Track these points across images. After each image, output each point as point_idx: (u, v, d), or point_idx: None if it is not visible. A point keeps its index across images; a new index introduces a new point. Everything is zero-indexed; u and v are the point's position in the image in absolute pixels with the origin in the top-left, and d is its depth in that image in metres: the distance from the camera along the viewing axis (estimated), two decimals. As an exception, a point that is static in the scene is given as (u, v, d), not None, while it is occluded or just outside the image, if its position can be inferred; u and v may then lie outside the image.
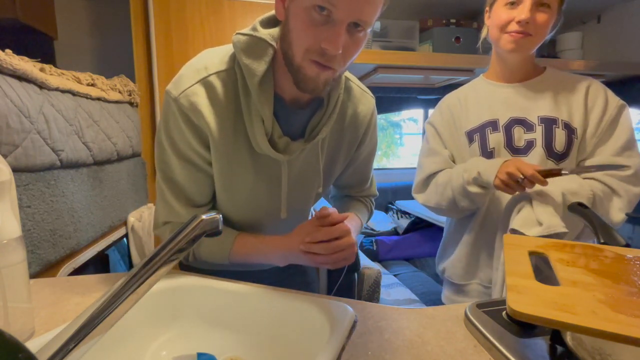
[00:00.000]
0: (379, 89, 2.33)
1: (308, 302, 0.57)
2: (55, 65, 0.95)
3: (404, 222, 2.33)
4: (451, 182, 0.92)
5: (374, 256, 2.17)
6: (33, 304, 0.52)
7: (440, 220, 1.94)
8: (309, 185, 0.75)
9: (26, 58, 0.82)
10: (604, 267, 0.47)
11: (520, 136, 0.90)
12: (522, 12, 0.84)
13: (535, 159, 0.87)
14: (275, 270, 0.80)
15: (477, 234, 0.96)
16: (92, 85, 1.12)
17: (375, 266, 1.44)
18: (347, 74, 0.73)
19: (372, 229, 2.36)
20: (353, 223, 0.76)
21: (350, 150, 0.77)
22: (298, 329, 0.57)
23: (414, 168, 1.07)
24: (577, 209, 0.74)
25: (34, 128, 0.78)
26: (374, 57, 1.76)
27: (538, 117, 0.89)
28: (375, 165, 0.89)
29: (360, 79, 1.37)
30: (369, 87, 0.79)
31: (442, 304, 1.07)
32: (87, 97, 1.07)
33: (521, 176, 0.78)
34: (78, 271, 0.98)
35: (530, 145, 0.88)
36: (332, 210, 0.65)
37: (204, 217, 0.40)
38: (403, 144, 3.61)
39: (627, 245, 0.56)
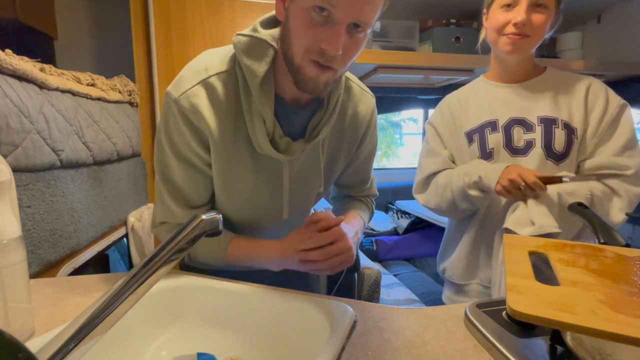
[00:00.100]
0: (379, 89, 2.33)
1: (308, 302, 0.57)
2: (55, 65, 0.95)
3: (404, 222, 2.33)
4: (451, 184, 0.92)
5: (374, 256, 2.17)
6: (33, 304, 0.52)
7: (440, 220, 1.94)
8: (310, 185, 0.75)
9: (26, 58, 0.82)
10: (604, 267, 0.47)
11: (520, 136, 0.89)
12: (518, 14, 0.84)
13: (535, 159, 0.87)
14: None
15: (476, 234, 0.96)
16: (92, 85, 1.12)
17: (375, 266, 1.44)
18: (347, 73, 0.73)
19: (372, 229, 2.36)
20: (354, 222, 0.76)
21: (350, 149, 0.77)
22: (298, 329, 0.57)
23: (414, 168, 1.07)
24: (577, 209, 0.74)
25: (34, 128, 0.78)
26: (374, 57, 1.76)
27: (537, 117, 0.89)
28: (375, 165, 0.89)
29: (361, 79, 1.37)
30: (369, 87, 0.79)
31: (443, 303, 1.07)
32: (87, 97, 1.07)
33: (523, 183, 0.79)
34: (78, 271, 0.98)
35: (529, 145, 0.88)
36: (323, 214, 0.64)
37: (204, 217, 0.40)
38: (403, 144, 3.61)
39: (627, 245, 0.56)
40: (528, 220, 0.79)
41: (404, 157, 3.52)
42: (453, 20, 1.92)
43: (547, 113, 0.88)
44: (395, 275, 1.93)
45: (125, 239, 1.35)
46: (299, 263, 0.63)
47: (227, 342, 0.59)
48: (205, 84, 0.61)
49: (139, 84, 1.59)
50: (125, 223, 1.32)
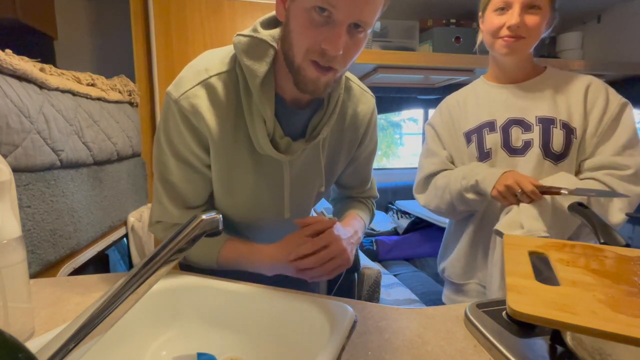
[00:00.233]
0: (379, 89, 2.33)
1: (308, 302, 0.56)
2: (55, 65, 0.95)
3: (404, 222, 2.34)
4: (449, 186, 0.93)
5: (374, 256, 2.17)
6: (33, 304, 0.52)
7: (440, 220, 1.94)
8: (310, 185, 0.75)
9: (26, 58, 0.82)
10: (604, 267, 0.47)
11: (518, 136, 0.89)
12: (512, 17, 0.84)
13: (532, 159, 0.87)
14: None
15: (475, 234, 0.96)
16: (92, 85, 1.12)
17: (375, 266, 1.44)
18: (348, 73, 0.73)
19: (372, 229, 2.36)
20: (353, 222, 0.76)
21: (351, 149, 0.77)
22: (298, 329, 0.57)
23: (414, 168, 1.07)
24: (577, 208, 0.74)
25: (34, 128, 0.78)
26: (374, 57, 1.76)
27: (536, 117, 0.89)
28: (375, 165, 0.89)
29: (361, 79, 1.37)
30: (369, 87, 0.79)
31: (443, 303, 1.07)
32: (87, 97, 1.07)
33: (520, 190, 0.79)
34: (78, 271, 0.98)
35: (527, 145, 0.88)
36: (313, 218, 0.64)
37: (204, 217, 0.40)
38: (403, 144, 3.61)
39: (627, 245, 0.56)
40: (518, 223, 0.79)
41: (404, 157, 3.52)
42: (453, 20, 1.92)
43: (546, 113, 0.88)
44: (395, 275, 1.93)
45: (125, 239, 1.36)
46: (295, 273, 0.63)
47: (227, 342, 0.59)
48: (206, 84, 0.61)
49: (139, 84, 1.59)
50: (125, 223, 1.32)
